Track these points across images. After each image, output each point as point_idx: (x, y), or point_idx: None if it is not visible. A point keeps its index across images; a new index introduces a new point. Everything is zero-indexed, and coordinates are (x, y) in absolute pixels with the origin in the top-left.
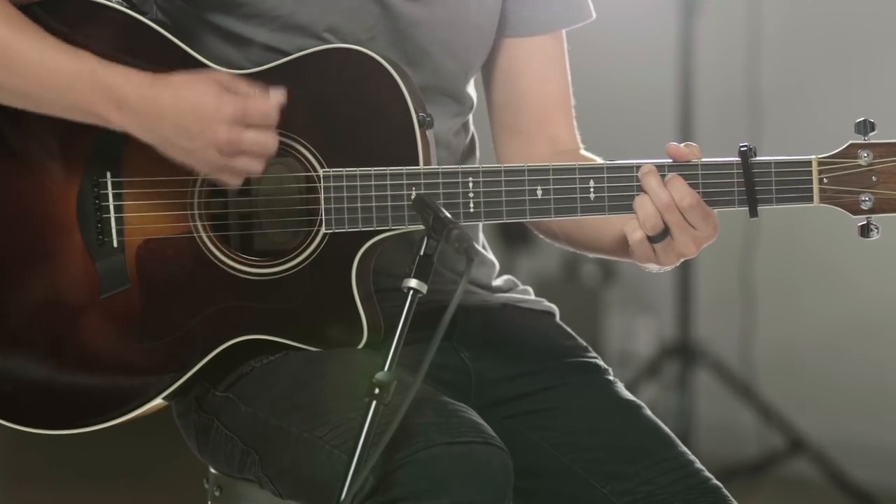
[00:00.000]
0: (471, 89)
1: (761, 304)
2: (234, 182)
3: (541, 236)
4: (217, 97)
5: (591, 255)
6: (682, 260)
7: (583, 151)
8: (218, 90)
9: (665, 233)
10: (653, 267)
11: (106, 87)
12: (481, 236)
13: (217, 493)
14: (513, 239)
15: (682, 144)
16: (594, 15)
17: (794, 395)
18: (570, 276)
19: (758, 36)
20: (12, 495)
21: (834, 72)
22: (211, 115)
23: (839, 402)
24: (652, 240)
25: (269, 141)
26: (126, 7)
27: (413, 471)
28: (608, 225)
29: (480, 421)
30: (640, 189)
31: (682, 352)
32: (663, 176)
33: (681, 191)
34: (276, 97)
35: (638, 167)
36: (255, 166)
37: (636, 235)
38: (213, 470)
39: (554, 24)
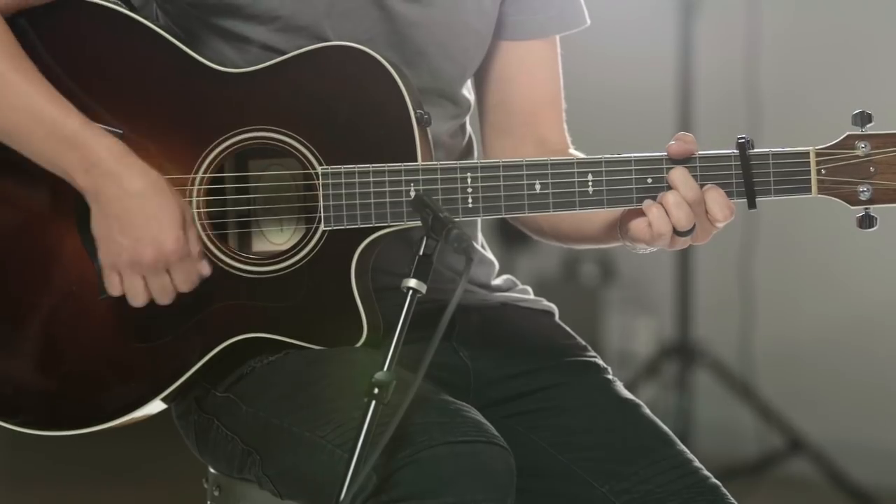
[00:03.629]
0: (467, 91)
1: (760, 304)
2: (112, 290)
3: (526, 231)
4: (177, 226)
5: (578, 247)
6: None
7: (572, 151)
8: (182, 223)
9: (694, 227)
10: (642, 247)
11: (82, 149)
12: (480, 235)
13: (216, 493)
14: (512, 238)
15: (675, 137)
16: (588, 21)
17: (794, 395)
18: (569, 276)
19: (757, 37)
20: (12, 495)
21: (833, 73)
22: (157, 231)
23: (838, 402)
24: (680, 234)
25: (167, 291)
26: (124, 8)
27: (416, 470)
28: (595, 214)
29: (483, 420)
30: (666, 185)
31: (682, 352)
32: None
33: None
34: (205, 270)
35: (636, 161)
36: (139, 295)
37: (664, 229)
38: (212, 470)
39: (550, 30)
